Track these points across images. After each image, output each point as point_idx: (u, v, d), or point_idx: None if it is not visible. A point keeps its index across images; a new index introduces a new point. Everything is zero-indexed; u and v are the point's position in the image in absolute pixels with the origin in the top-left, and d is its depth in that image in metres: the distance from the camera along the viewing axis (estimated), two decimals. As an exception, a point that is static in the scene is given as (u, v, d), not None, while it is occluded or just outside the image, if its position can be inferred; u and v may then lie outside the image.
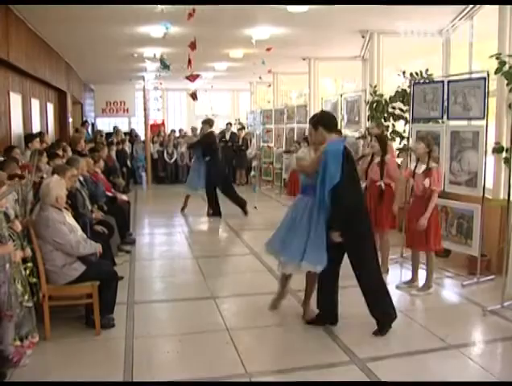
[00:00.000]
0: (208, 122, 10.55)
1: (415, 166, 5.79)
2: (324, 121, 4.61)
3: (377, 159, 6.41)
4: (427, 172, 5.59)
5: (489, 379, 3.83)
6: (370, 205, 6.45)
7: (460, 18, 8.51)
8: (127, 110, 19.12)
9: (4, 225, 3.92)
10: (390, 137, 8.69)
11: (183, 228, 9.55)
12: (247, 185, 15.51)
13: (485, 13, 7.81)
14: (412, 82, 7.25)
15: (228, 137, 16.20)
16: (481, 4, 7.69)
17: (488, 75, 5.88)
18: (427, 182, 5.56)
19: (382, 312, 4.64)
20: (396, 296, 5.68)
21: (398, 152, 7.94)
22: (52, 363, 4.12)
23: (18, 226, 4.08)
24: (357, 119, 9.56)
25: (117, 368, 3.98)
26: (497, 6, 6.50)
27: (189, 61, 8.79)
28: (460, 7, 8.07)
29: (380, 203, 6.32)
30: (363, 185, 6.65)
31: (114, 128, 16.95)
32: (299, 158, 4.83)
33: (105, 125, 19.92)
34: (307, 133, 10.65)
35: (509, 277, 5.04)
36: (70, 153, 8.41)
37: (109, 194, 8.08)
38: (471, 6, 7.95)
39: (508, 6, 6.26)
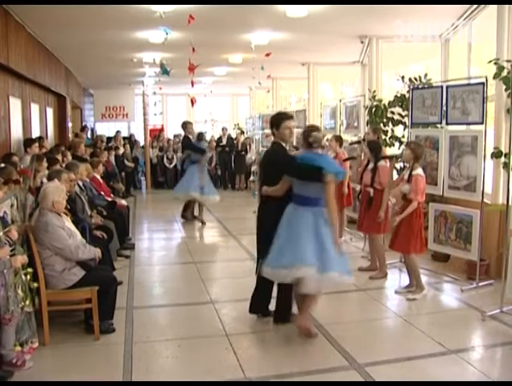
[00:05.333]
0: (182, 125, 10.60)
1: (404, 172, 5.87)
2: None
3: (371, 165, 6.46)
4: (410, 179, 5.67)
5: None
6: (362, 209, 6.53)
7: (461, 19, 8.49)
8: (126, 115, 19.13)
9: (1, 229, 3.92)
10: (388, 142, 8.72)
11: (182, 233, 9.55)
12: (246, 190, 15.52)
13: (483, 18, 7.82)
14: (411, 87, 7.27)
15: (224, 141, 16.23)
16: (480, 4, 7.68)
17: (486, 80, 5.90)
18: (406, 187, 5.63)
19: None
20: (395, 301, 5.71)
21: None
22: (51, 369, 4.12)
23: (15, 234, 4.08)
24: (356, 124, 9.57)
25: (117, 373, 3.97)
26: (495, 12, 6.52)
27: (191, 68, 8.85)
28: (459, 11, 8.07)
29: (368, 209, 6.37)
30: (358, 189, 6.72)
31: (117, 132, 16.95)
32: None
33: (104, 129, 19.93)
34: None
35: (508, 282, 5.04)
36: (70, 157, 8.42)
37: (109, 199, 8.08)
38: (469, 10, 7.95)
39: (506, 11, 6.27)
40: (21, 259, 3.98)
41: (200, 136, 10.56)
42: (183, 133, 11.10)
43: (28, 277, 4.11)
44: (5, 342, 3.85)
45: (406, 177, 5.76)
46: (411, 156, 5.72)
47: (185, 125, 10.38)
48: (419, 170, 5.73)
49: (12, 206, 4.54)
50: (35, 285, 4.25)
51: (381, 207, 6.26)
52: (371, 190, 6.39)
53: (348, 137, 10.32)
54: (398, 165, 7.21)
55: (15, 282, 3.89)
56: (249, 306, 5.09)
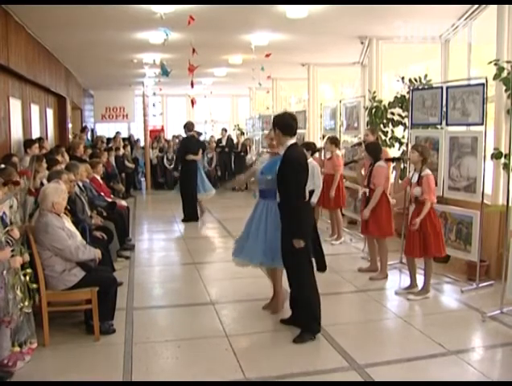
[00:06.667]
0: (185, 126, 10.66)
1: (412, 175, 5.84)
2: None
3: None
4: (420, 181, 5.64)
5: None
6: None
7: (461, 20, 8.49)
8: (126, 116, 19.14)
9: (1, 231, 3.92)
10: (388, 142, 8.72)
11: (181, 234, 9.55)
12: (246, 191, 15.50)
13: (483, 18, 7.82)
14: (411, 88, 7.27)
15: (224, 142, 16.26)
16: (480, 4, 7.68)
17: (486, 81, 5.90)
18: (417, 190, 5.60)
19: (306, 323, 4.65)
20: (395, 302, 5.70)
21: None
22: (51, 369, 4.12)
23: (17, 234, 4.08)
24: (356, 125, 9.58)
25: (117, 374, 3.97)
26: (495, 12, 6.52)
27: (191, 69, 8.87)
28: (459, 11, 8.07)
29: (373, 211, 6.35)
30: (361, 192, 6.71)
31: (117, 133, 16.95)
32: None
33: (104, 130, 19.93)
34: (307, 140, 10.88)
35: (508, 283, 5.04)
36: (67, 158, 8.41)
37: (109, 199, 8.07)
38: (469, 11, 7.95)
39: (506, 12, 6.27)
40: (19, 259, 3.98)
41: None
42: (184, 134, 11.12)
43: (27, 277, 4.11)
44: (0, 343, 3.84)
45: (414, 180, 5.73)
46: (420, 158, 5.70)
47: (192, 126, 10.56)
48: (427, 171, 5.73)
49: (11, 207, 4.54)
50: (34, 285, 4.25)
51: (369, 206, 6.26)
52: (367, 190, 6.37)
53: (348, 138, 10.35)
54: (403, 165, 7.19)
55: (14, 283, 3.89)
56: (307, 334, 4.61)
